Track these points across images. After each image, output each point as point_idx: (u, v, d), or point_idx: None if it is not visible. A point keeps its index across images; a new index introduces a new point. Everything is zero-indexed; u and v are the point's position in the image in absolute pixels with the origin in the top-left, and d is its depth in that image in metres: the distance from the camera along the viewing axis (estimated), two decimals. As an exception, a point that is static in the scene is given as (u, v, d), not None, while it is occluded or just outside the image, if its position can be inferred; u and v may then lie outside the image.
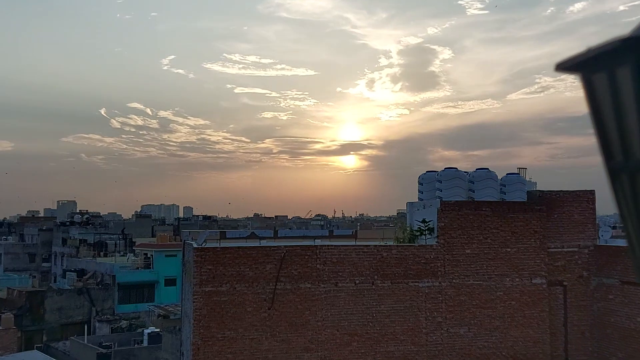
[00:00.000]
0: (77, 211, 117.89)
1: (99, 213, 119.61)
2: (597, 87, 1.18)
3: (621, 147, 1.16)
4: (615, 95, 1.13)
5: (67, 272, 61.69)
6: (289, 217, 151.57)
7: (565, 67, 1.21)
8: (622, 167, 1.15)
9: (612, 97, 1.14)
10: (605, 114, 1.18)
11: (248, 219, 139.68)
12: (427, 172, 26.65)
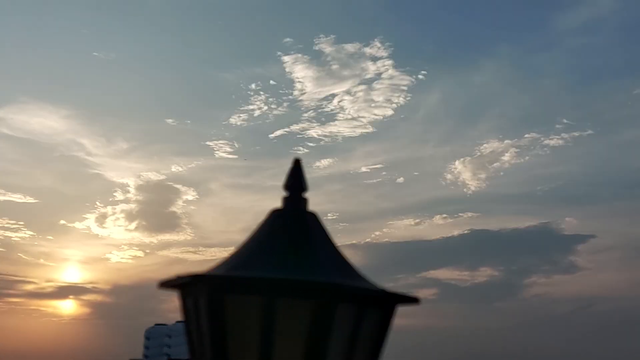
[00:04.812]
0: None
1: None
2: (188, 308, 1.63)
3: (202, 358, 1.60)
4: (198, 318, 1.58)
5: None
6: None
7: (166, 285, 1.63)
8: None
9: (196, 319, 1.59)
10: (192, 329, 1.62)
11: None
12: (155, 325, 26.32)
